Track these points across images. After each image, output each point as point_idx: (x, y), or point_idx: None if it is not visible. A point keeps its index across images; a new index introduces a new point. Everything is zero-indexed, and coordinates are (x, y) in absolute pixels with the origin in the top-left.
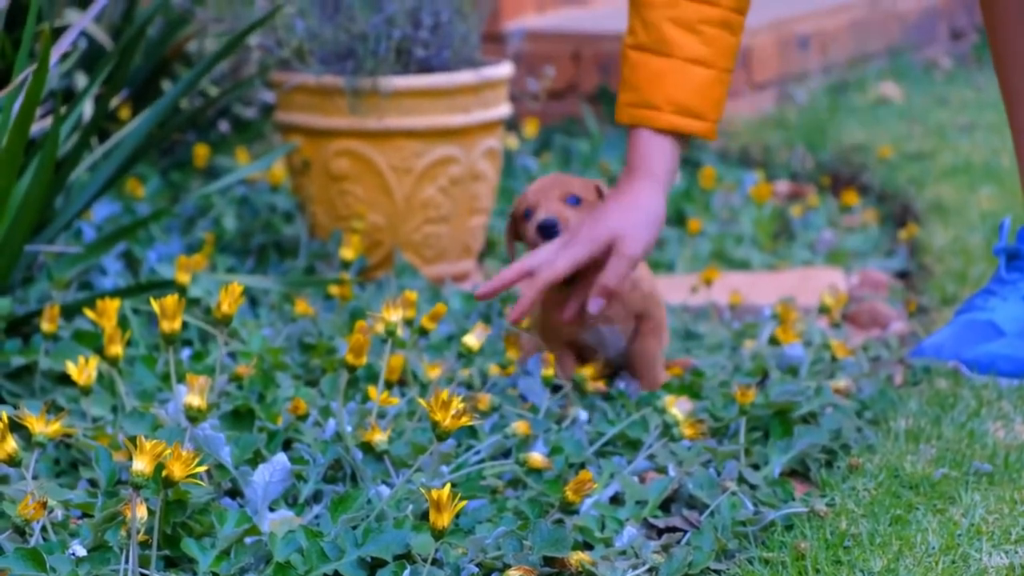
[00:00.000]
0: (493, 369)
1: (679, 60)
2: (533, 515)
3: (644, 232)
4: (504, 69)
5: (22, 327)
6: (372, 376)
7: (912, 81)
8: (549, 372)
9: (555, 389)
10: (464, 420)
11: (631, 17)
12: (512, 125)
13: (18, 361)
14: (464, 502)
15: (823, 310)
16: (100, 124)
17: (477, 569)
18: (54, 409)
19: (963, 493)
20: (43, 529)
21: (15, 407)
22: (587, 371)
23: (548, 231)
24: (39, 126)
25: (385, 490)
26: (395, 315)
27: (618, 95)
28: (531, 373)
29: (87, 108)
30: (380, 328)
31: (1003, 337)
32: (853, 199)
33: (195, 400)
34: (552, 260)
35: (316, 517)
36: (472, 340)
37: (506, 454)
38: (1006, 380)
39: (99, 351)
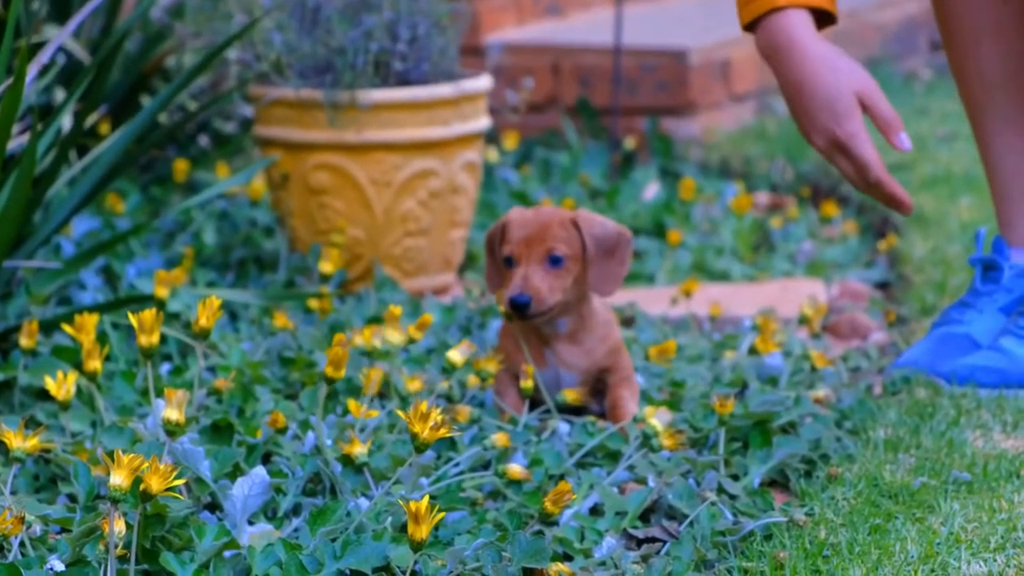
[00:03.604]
0: (472, 381)
1: None
2: (512, 526)
3: (857, 65)
4: (483, 82)
5: (1, 343)
6: (352, 389)
7: (892, 92)
8: (528, 384)
9: (533, 404)
10: (443, 432)
11: None
12: (492, 138)
13: None
14: (443, 514)
15: (803, 321)
16: (78, 139)
17: None
18: (33, 424)
19: (942, 502)
20: (21, 544)
21: None
22: (569, 395)
23: (519, 310)
24: (17, 142)
25: (364, 503)
26: (377, 339)
27: (737, 4)
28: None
29: (66, 123)
30: (359, 341)
31: (979, 350)
32: (833, 210)
33: (173, 414)
34: (865, 162)
35: (295, 530)
36: (456, 355)
37: (485, 466)
38: (985, 390)
39: (78, 366)
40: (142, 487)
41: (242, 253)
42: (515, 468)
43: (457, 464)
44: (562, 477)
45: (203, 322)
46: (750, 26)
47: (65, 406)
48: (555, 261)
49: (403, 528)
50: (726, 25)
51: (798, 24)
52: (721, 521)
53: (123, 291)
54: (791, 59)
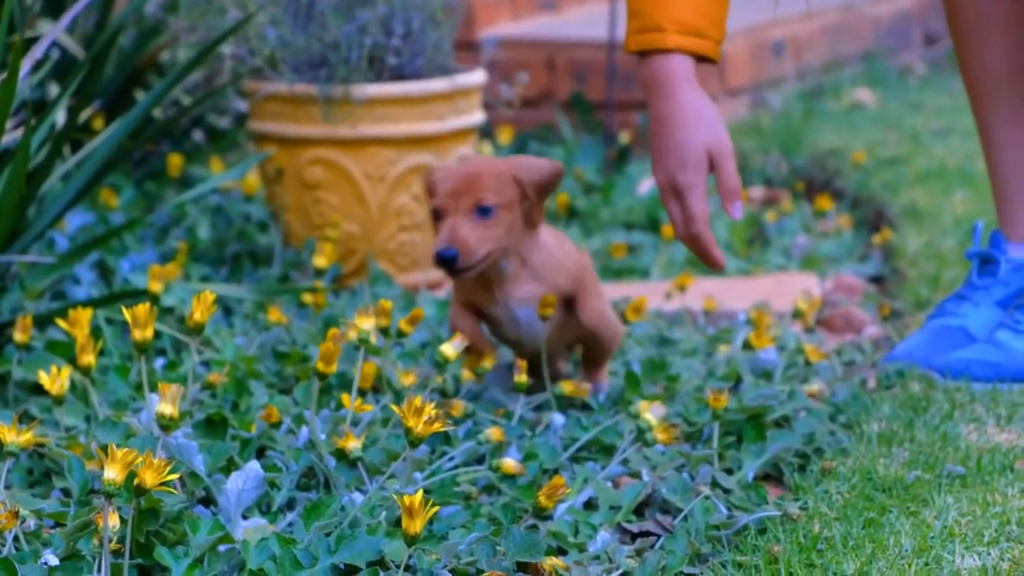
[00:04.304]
0: (466, 375)
1: None
2: (507, 521)
3: (721, 126)
4: (477, 76)
5: None
6: (345, 384)
7: (886, 86)
8: (522, 378)
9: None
10: (437, 426)
11: None
12: (486, 133)
13: None
14: (437, 508)
15: (797, 315)
16: (72, 134)
17: (450, 575)
18: (27, 419)
19: (936, 496)
20: (15, 539)
21: None
22: (566, 386)
23: (446, 264)
24: (11, 137)
25: (358, 497)
26: (367, 323)
27: (627, 26)
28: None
29: (60, 118)
30: (353, 335)
31: (974, 343)
32: (827, 204)
33: (167, 409)
34: (692, 213)
35: (289, 524)
36: (449, 349)
37: (480, 460)
38: (979, 383)
39: (72, 361)
40: (136, 482)
41: (236, 248)
42: (509, 462)
43: (451, 458)
44: (556, 471)
45: (197, 316)
46: (637, 52)
47: (59, 401)
48: (484, 212)
49: (397, 522)
50: None
51: (680, 69)
52: (715, 515)
53: (117, 286)
54: (663, 98)
